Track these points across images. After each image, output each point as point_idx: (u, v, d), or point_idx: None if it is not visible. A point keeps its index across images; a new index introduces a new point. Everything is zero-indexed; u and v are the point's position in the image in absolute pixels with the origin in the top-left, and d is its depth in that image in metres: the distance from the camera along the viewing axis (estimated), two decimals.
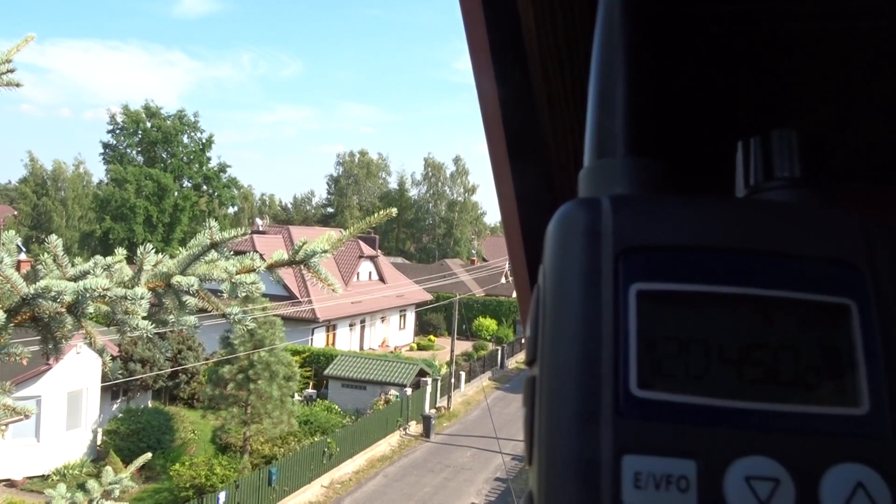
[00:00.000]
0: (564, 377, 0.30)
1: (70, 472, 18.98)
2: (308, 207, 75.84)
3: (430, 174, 67.31)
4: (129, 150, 51.54)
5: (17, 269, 2.22)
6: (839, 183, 0.65)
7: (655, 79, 0.38)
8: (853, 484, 0.28)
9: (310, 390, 27.71)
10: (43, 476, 18.84)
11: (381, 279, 39.20)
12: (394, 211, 2.45)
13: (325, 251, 2.28)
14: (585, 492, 0.28)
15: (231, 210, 59.50)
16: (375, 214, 2.37)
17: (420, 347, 39.90)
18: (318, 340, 32.78)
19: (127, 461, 18.02)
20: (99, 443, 20.83)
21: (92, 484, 3.48)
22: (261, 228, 37.34)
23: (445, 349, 34.66)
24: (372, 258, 38.71)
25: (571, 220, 0.32)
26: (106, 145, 51.68)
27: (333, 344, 33.66)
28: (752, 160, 0.37)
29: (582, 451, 0.28)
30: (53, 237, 2.28)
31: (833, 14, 0.49)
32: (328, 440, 20.88)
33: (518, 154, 0.58)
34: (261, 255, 2.53)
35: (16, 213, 50.43)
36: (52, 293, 2.02)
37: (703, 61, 0.51)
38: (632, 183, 0.36)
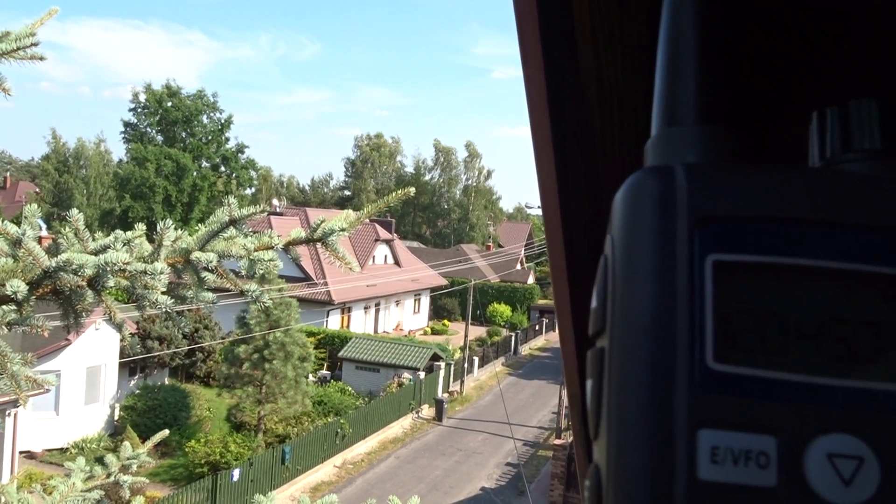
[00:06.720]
0: (637, 349, 0.29)
1: (88, 445, 19.34)
2: (325, 190, 75.89)
3: (441, 159, 67.03)
4: (149, 130, 51.78)
5: (38, 244, 2.24)
6: None
7: (727, 45, 0.37)
8: None
9: (324, 371, 27.96)
10: (62, 449, 19.23)
11: (397, 263, 39.30)
12: (412, 190, 2.43)
13: (343, 229, 2.27)
14: (660, 466, 0.27)
15: (249, 191, 59.67)
16: (393, 194, 2.36)
17: (434, 332, 40.06)
18: (333, 322, 33.00)
19: (143, 436, 18.32)
20: (116, 418, 21.19)
21: (110, 458, 3.53)
22: (278, 210, 37.49)
23: (459, 334, 34.75)
24: (388, 242, 38.80)
25: (644, 188, 0.31)
26: (126, 124, 51.84)
27: (348, 326, 33.88)
28: (829, 131, 0.36)
29: (656, 424, 0.28)
30: (75, 211, 2.29)
31: None
32: (341, 421, 21.08)
33: (562, 134, 0.56)
34: (278, 235, 2.53)
35: (38, 189, 50.99)
36: (74, 266, 2.04)
37: (774, 28, 0.48)
38: (703, 151, 0.35)
